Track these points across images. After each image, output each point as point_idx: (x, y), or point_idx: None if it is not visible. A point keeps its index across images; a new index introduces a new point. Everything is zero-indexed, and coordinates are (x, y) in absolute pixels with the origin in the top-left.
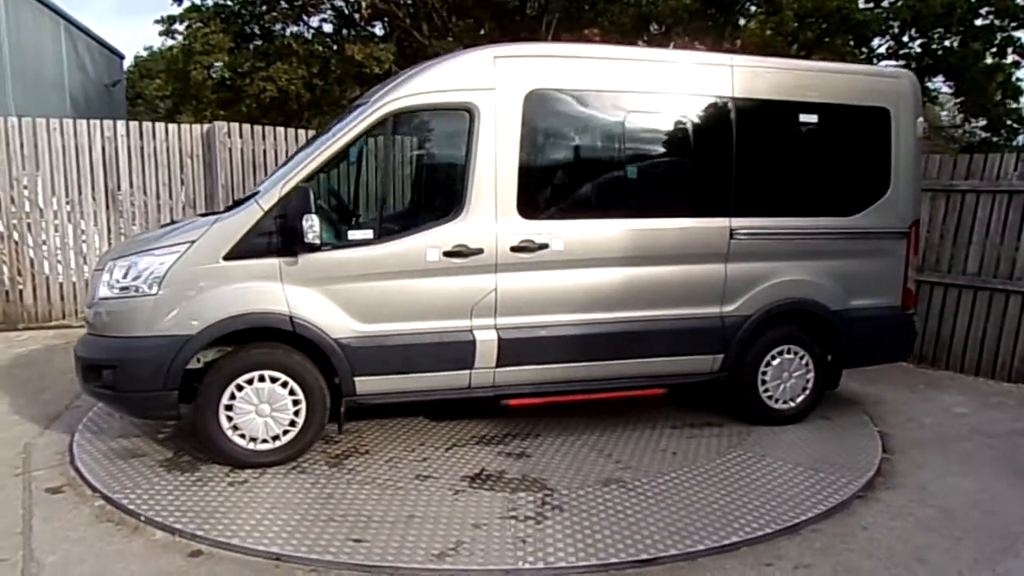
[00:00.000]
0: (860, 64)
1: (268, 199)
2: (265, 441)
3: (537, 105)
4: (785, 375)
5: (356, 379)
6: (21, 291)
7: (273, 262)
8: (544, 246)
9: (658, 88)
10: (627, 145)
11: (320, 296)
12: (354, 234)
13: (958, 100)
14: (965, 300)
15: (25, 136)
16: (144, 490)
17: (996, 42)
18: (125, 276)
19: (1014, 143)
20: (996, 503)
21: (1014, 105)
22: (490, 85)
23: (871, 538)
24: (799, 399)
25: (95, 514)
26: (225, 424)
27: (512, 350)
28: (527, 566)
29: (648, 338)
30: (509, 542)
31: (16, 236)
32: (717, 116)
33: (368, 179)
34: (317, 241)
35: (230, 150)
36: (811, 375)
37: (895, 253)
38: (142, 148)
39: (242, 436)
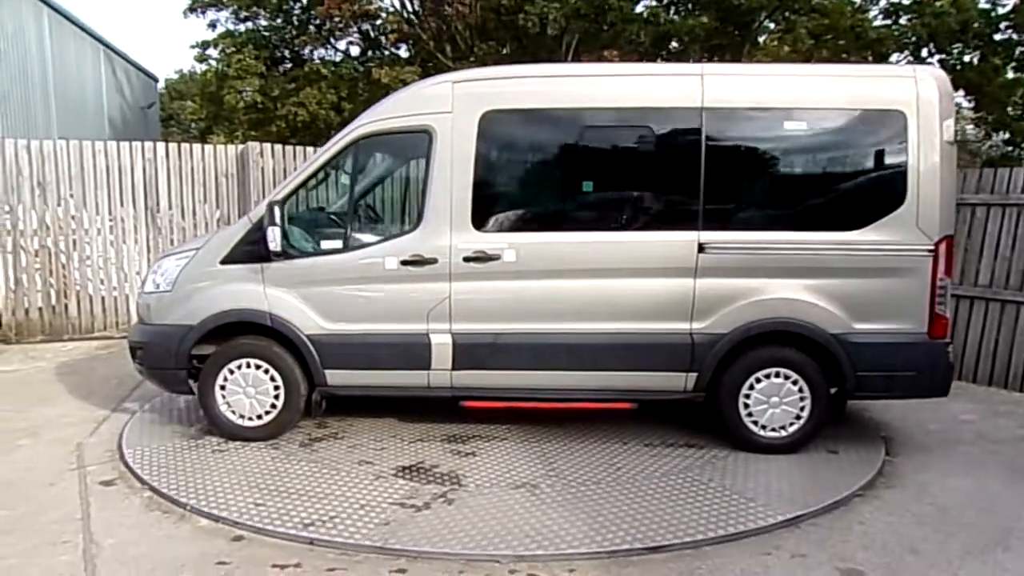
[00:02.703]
0: (872, 66)
1: (257, 213)
2: (251, 419)
3: (492, 125)
4: (774, 400)
5: (326, 372)
6: (66, 305)
7: (256, 267)
8: (496, 257)
9: (618, 102)
10: (582, 160)
11: (294, 297)
12: (325, 244)
13: (978, 114)
14: (977, 311)
15: (72, 158)
16: (189, 481)
17: (1016, 56)
18: (159, 275)
19: None
20: (992, 502)
21: None
22: (447, 109)
23: (866, 532)
24: (791, 428)
25: (145, 504)
26: (220, 401)
27: (467, 354)
28: (367, 543)
29: (607, 351)
30: (374, 523)
31: (63, 253)
32: (683, 128)
33: (347, 195)
34: (279, 249)
35: (262, 169)
36: (806, 403)
37: (916, 272)
38: (180, 168)
39: (233, 412)
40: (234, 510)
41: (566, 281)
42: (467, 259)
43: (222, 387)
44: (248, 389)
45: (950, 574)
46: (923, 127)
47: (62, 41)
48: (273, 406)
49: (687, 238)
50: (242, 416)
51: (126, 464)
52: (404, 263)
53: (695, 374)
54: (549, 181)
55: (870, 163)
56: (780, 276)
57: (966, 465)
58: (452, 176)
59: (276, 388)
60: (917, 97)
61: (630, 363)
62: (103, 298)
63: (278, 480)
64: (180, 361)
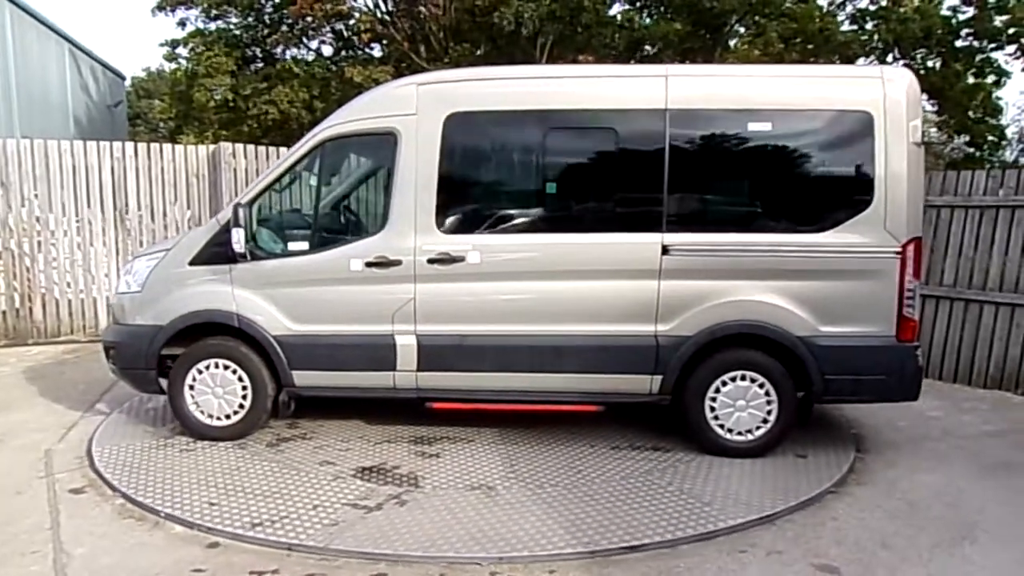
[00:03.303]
0: (839, 66)
1: (225, 215)
2: (220, 419)
3: (456, 127)
4: (740, 403)
5: (293, 372)
6: (31, 308)
7: (224, 268)
8: (460, 259)
9: (581, 104)
10: (547, 162)
11: (261, 298)
12: (292, 246)
13: (941, 118)
14: (942, 310)
15: (37, 157)
16: (160, 486)
17: (976, 62)
18: (131, 276)
19: (996, 157)
20: (959, 496)
21: (994, 122)
22: (412, 111)
23: (839, 528)
24: (758, 432)
25: (117, 511)
26: (189, 401)
27: (432, 355)
28: (312, 543)
29: (572, 353)
30: (322, 524)
31: (28, 255)
32: (647, 129)
33: (316, 197)
34: (243, 251)
35: (235, 170)
36: (773, 406)
37: (883, 275)
38: (149, 168)
39: (202, 412)
40: (215, 517)
41: (530, 283)
42: (431, 261)
43: (191, 387)
44: (216, 389)
45: (920, 567)
46: (890, 128)
47: (24, 37)
48: (241, 406)
49: (651, 240)
50: (211, 416)
51: (96, 470)
52: (369, 265)
53: (660, 377)
54: (513, 183)
55: (837, 164)
56: (746, 278)
57: (934, 461)
58: (417, 178)
59: (244, 388)
60: (885, 98)
61: (595, 365)
62: (69, 301)
63: (237, 479)
64: (150, 361)
